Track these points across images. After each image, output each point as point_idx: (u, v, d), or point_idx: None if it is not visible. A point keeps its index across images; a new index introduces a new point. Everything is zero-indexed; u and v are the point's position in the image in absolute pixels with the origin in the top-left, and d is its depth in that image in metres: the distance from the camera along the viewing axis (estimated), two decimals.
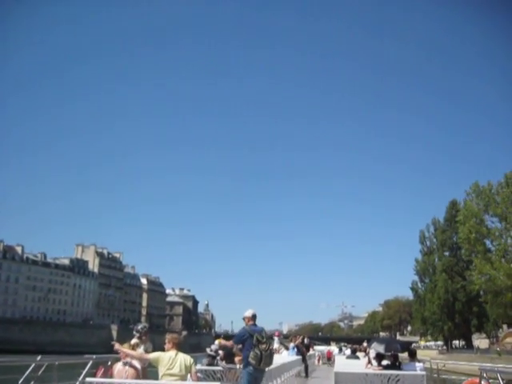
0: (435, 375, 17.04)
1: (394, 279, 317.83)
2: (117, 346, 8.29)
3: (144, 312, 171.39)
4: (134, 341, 8.86)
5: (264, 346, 9.08)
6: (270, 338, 9.96)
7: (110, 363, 9.93)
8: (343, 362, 19.37)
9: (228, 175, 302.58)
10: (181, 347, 7.73)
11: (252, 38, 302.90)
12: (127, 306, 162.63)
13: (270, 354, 9.22)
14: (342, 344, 55.73)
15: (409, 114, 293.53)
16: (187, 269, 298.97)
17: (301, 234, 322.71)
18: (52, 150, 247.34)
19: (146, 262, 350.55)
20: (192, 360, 7.62)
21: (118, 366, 8.16)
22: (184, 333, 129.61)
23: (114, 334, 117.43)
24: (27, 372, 8.71)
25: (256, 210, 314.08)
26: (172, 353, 7.53)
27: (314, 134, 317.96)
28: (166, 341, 7.76)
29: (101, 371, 9.67)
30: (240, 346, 9.84)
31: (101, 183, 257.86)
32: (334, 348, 49.64)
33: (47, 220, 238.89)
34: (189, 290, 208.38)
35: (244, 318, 9.56)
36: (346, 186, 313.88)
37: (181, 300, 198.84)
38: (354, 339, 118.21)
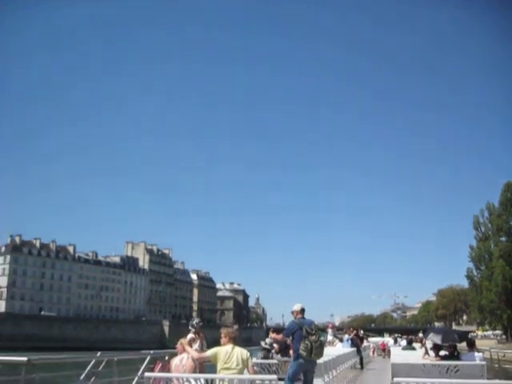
0: (495, 365, 16.47)
1: (446, 268, 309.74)
2: (182, 345, 8.62)
3: (195, 307, 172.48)
4: (190, 336, 9.14)
5: (314, 337, 9.11)
6: (320, 330, 9.95)
7: (167, 358, 10.17)
8: (399, 354, 19.19)
9: (278, 166, 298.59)
10: (236, 341, 7.85)
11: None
12: (178, 302, 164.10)
13: (321, 345, 9.27)
14: (397, 335, 54.66)
15: (458, 94, 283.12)
16: (237, 263, 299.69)
17: (351, 225, 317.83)
18: (99, 150, 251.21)
19: (195, 258, 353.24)
20: (248, 353, 7.72)
21: (176, 361, 8.42)
22: (235, 327, 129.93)
23: (166, 329, 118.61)
24: (88, 368, 8.94)
25: (307, 200, 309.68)
26: (228, 347, 7.63)
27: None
28: (222, 335, 7.87)
29: (158, 366, 9.79)
30: (290, 338, 9.89)
31: (148, 181, 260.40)
32: (388, 339, 48.59)
33: (97, 219, 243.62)
34: (239, 285, 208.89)
35: (292, 312, 9.72)
36: (393, 173, 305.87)
37: (231, 294, 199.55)
38: (408, 330, 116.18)
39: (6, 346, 70.88)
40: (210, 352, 7.68)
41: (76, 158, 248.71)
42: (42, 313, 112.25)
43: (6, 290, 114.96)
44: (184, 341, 8.78)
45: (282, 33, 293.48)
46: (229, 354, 7.50)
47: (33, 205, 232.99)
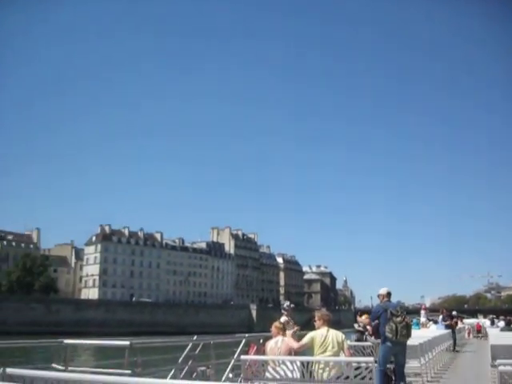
0: None
1: None
2: (276, 328, 8.57)
3: (282, 291, 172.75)
4: (283, 318, 9.50)
5: (399, 318, 9.05)
6: (407, 311, 9.87)
7: (261, 341, 10.21)
8: (497, 335, 18.64)
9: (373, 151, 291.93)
10: (331, 324, 7.94)
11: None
12: (265, 286, 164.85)
13: (407, 326, 9.16)
14: (492, 316, 51.90)
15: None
16: (323, 246, 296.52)
17: (440, 203, 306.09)
18: (177, 137, 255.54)
19: (280, 242, 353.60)
20: (343, 336, 7.82)
21: (271, 344, 8.41)
22: (317, 310, 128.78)
23: (254, 313, 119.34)
24: (186, 351, 9.18)
25: (397, 187, 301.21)
26: (323, 330, 7.76)
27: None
28: (316, 318, 8.00)
29: (253, 349, 9.87)
30: (377, 322, 9.83)
31: (232, 166, 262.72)
32: (483, 320, 46.28)
33: (183, 206, 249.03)
34: (326, 267, 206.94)
35: (379, 296, 9.84)
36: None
37: (318, 277, 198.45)
38: (504, 311, 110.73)
39: (100, 331, 73.41)
40: (306, 339, 7.80)
41: (159, 146, 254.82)
42: (134, 299, 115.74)
43: (98, 277, 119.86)
44: (278, 324, 8.77)
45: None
46: (324, 336, 7.64)
47: (121, 195, 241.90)
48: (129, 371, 7.24)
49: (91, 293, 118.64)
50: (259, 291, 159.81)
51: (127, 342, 7.51)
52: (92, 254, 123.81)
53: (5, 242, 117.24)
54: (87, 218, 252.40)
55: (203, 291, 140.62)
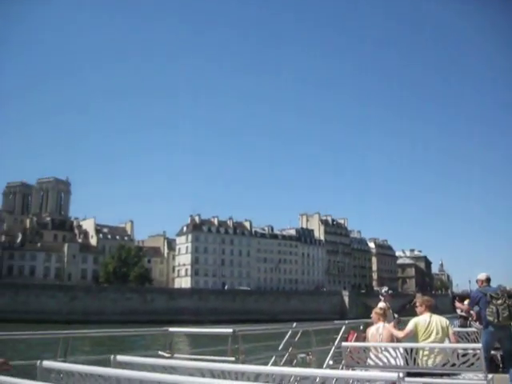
0: None
1: None
2: (376, 314, 8.59)
3: (374, 276, 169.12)
4: (382, 304, 9.47)
5: (499, 301, 8.71)
6: (508, 295, 9.12)
7: (361, 327, 10.28)
8: None
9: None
10: (434, 309, 7.90)
11: None
12: (357, 272, 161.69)
13: (509, 308, 8.71)
14: None
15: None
16: (416, 229, 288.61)
17: None
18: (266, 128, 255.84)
19: (372, 226, 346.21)
20: (448, 321, 7.78)
21: (372, 330, 8.44)
22: (418, 295, 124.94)
23: (346, 299, 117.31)
24: (285, 338, 9.25)
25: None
26: (426, 316, 7.72)
27: None
28: (418, 304, 7.99)
29: (353, 336, 9.88)
30: (477, 308, 9.48)
31: (322, 151, 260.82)
32: None
33: (271, 194, 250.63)
34: (420, 251, 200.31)
35: (477, 281, 9.51)
36: None
37: (412, 261, 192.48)
38: None
39: (193, 319, 75.82)
40: (410, 325, 7.78)
41: (244, 136, 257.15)
42: (226, 287, 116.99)
43: (190, 267, 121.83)
44: (379, 310, 8.72)
45: None
46: (427, 322, 7.58)
47: (210, 186, 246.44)
48: (232, 358, 7.37)
49: (184, 282, 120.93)
50: (351, 277, 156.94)
51: (230, 330, 7.67)
52: (183, 244, 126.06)
53: (101, 235, 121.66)
54: (178, 209, 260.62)
55: (294, 278, 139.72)
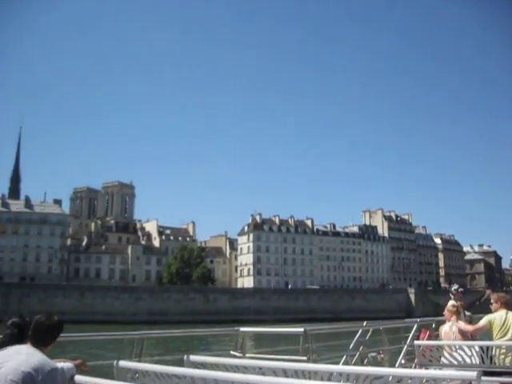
0: None
1: None
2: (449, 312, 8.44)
3: (442, 273, 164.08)
4: (451, 302, 8.98)
5: None
6: None
7: (434, 326, 10.24)
8: None
9: None
10: (509, 306, 7.68)
11: None
12: (423, 268, 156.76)
13: None
14: None
15: None
16: (484, 223, 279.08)
17: None
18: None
19: (437, 221, 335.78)
20: None
21: (445, 328, 8.32)
22: (488, 291, 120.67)
23: (412, 297, 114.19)
24: (356, 337, 9.12)
25: None
26: (502, 312, 7.44)
27: None
28: (493, 300, 7.75)
29: (425, 334, 9.64)
30: None
31: (380, 147, 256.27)
32: None
33: (333, 192, 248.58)
34: (489, 246, 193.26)
35: None
36: None
37: (481, 257, 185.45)
38: None
39: (256, 318, 75.81)
40: (483, 321, 7.56)
41: (306, 132, 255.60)
42: (290, 286, 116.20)
43: (252, 266, 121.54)
44: (451, 308, 8.53)
45: None
46: (503, 319, 7.30)
47: (271, 185, 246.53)
48: (304, 357, 7.36)
49: (246, 281, 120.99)
50: (417, 274, 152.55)
51: (301, 329, 7.65)
52: (245, 243, 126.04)
53: (163, 237, 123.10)
54: (240, 209, 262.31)
55: (358, 276, 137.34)
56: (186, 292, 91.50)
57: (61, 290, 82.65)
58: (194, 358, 5.22)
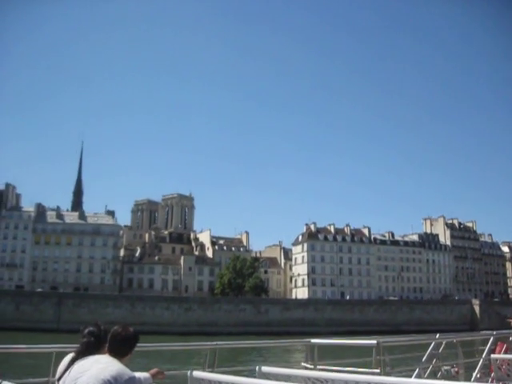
0: None
1: None
2: None
3: (510, 283, 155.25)
4: None
5: None
6: None
7: (511, 339, 9.93)
8: None
9: None
10: None
11: None
12: (489, 278, 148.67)
13: None
14: None
15: None
16: None
17: None
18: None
19: (505, 229, 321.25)
20: None
21: None
22: None
23: (477, 309, 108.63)
24: (429, 349, 8.93)
25: None
26: None
27: None
28: None
29: (501, 347, 9.44)
30: None
31: (439, 151, 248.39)
32: None
33: (391, 199, 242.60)
34: None
35: None
36: None
37: None
38: None
39: (309, 330, 72.54)
40: None
41: (364, 139, 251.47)
42: (348, 297, 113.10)
43: (306, 276, 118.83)
44: None
45: None
46: None
47: (326, 193, 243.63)
48: (377, 370, 7.23)
49: (301, 292, 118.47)
50: (483, 284, 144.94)
51: (374, 342, 7.57)
52: (299, 253, 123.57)
53: (216, 247, 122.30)
54: (295, 218, 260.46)
55: (418, 286, 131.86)
56: (237, 303, 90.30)
57: (111, 301, 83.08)
58: (265, 369, 5.28)
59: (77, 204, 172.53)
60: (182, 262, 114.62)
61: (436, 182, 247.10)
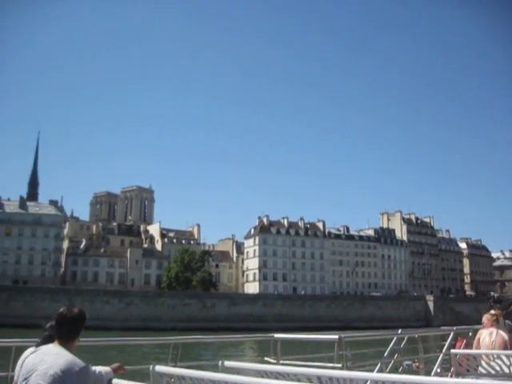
0: None
1: None
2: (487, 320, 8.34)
3: (467, 279, 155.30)
4: (493, 311, 8.68)
5: None
6: None
7: (470, 334, 9.66)
8: None
9: None
10: None
11: None
12: (446, 275, 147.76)
13: None
14: None
15: None
16: None
17: None
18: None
19: (463, 225, 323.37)
20: None
21: (483, 336, 8.14)
22: None
23: (431, 305, 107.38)
24: (390, 345, 8.89)
25: None
26: None
27: None
28: None
29: (461, 342, 9.37)
30: None
31: (398, 146, 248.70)
32: None
33: (347, 194, 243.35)
34: None
35: None
36: None
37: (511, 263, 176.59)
38: None
39: (257, 326, 72.15)
40: None
41: (320, 131, 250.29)
42: (303, 292, 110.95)
43: (258, 271, 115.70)
44: (490, 316, 8.28)
45: None
46: None
47: (280, 185, 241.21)
48: (339, 365, 7.34)
49: (252, 287, 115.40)
50: (439, 280, 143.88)
51: (336, 336, 7.64)
52: (251, 247, 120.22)
53: (166, 240, 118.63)
54: (249, 211, 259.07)
55: (373, 282, 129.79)
56: (182, 297, 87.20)
57: (49, 294, 79.00)
58: (228, 363, 5.25)
59: (32, 196, 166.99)
60: (128, 254, 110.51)
61: (395, 177, 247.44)
